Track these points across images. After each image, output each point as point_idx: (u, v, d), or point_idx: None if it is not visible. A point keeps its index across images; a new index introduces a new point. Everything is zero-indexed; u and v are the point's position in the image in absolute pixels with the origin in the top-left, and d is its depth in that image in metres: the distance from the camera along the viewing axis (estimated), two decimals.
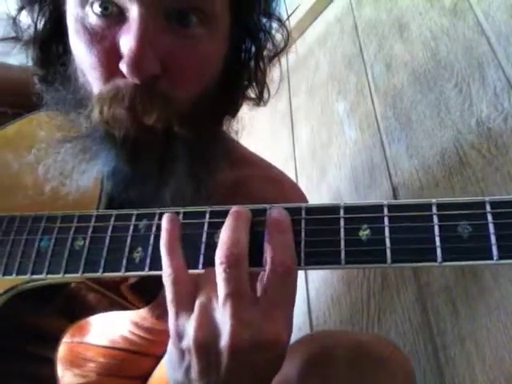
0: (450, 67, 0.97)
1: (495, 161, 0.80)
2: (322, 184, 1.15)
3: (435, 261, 0.37)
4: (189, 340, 0.39)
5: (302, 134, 1.31)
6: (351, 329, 0.90)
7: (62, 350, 0.69)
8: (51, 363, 0.58)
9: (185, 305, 0.41)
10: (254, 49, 0.56)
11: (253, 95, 0.60)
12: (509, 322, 0.69)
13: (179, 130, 0.50)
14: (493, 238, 0.36)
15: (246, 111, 0.62)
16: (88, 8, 0.47)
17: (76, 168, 0.51)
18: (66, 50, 0.52)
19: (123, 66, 0.46)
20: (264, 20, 0.56)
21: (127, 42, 0.46)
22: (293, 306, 0.41)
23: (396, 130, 1.02)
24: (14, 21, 0.56)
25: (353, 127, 1.15)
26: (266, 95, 0.61)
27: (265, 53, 0.57)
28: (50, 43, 0.55)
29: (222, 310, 0.39)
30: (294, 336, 0.59)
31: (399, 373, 0.53)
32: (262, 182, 0.64)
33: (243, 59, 0.56)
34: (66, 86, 0.53)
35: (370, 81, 1.16)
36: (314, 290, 1.02)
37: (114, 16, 0.47)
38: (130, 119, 0.48)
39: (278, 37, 0.59)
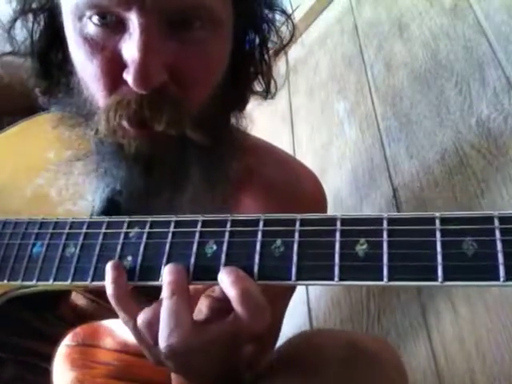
0: (450, 67, 0.97)
1: (495, 161, 0.80)
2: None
3: (436, 280, 0.34)
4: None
5: (302, 134, 1.31)
6: (351, 329, 0.90)
7: (72, 352, 0.69)
8: (47, 374, 0.57)
9: (152, 342, 0.41)
10: (257, 40, 0.54)
11: (259, 89, 0.58)
12: (509, 321, 0.69)
13: (192, 134, 0.49)
14: (500, 257, 0.33)
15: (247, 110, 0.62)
16: (86, 19, 0.45)
17: (88, 187, 0.50)
18: (67, 59, 0.51)
19: (128, 78, 0.44)
20: (267, 11, 0.55)
21: (130, 52, 0.44)
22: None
23: (396, 129, 1.02)
24: (9, 33, 0.54)
25: (353, 127, 1.15)
26: (272, 88, 0.59)
27: (270, 45, 0.56)
28: (49, 53, 0.53)
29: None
30: None
31: (391, 370, 0.53)
32: (272, 167, 0.63)
33: (247, 51, 0.54)
34: (70, 99, 0.52)
35: (370, 81, 1.16)
36: (314, 291, 1.02)
37: (113, 25, 0.45)
38: (138, 125, 0.47)
39: (283, 30, 0.57)
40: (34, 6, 0.51)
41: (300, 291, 1.01)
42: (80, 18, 0.46)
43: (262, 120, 1.50)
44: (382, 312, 0.87)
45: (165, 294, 0.40)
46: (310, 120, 1.31)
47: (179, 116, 0.47)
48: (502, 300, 0.71)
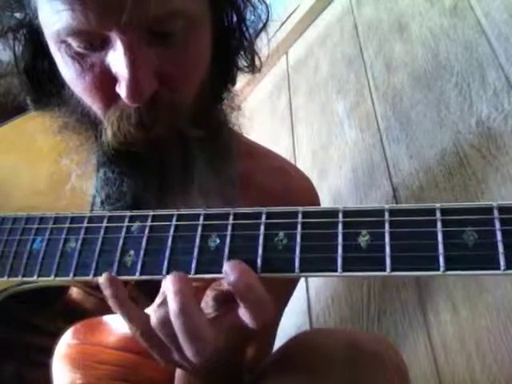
0: (449, 67, 0.97)
1: (495, 161, 0.80)
2: (322, 184, 1.15)
3: (438, 270, 0.35)
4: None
5: (302, 134, 1.31)
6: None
7: (73, 352, 0.69)
8: (46, 368, 0.57)
9: (163, 346, 0.42)
10: (235, 17, 0.55)
11: (245, 64, 0.59)
12: (509, 321, 0.69)
13: (189, 131, 0.50)
14: (500, 246, 0.34)
15: (247, 110, 0.62)
16: (70, 41, 0.46)
17: (90, 183, 0.51)
18: (54, 68, 0.51)
19: (121, 93, 0.45)
20: None
21: (119, 69, 0.45)
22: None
23: (396, 129, 1.02)
24: None
25: (353, 127, 1.15)
26: (258, 63, 0.59)
27: (249, 23, 0.56)
28: (35, 65, 0.54)
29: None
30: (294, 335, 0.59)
31: (393, 369, 0.53)
32: (268, 173, 0.64)
33: (227, 30, 0.55)
34: (63, 107, 0.53)
35: (370, 81, 1.16)
36: (314, 290, 1.02)
37: (97, 43, 0.46)
38: (142, 133, 0.48)
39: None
40: (11, 24, 0.51)
41: (300, 290, 1.01)
42: (63, 41, 0.46)
43: (262, 120, 1.50)
44: (382, 312, 0.87)
45: (173, 305, 0.39)
46: (309, 120, 1.31)
47: (176, 117, 0.49)
48: (502, 300, 0.71)
